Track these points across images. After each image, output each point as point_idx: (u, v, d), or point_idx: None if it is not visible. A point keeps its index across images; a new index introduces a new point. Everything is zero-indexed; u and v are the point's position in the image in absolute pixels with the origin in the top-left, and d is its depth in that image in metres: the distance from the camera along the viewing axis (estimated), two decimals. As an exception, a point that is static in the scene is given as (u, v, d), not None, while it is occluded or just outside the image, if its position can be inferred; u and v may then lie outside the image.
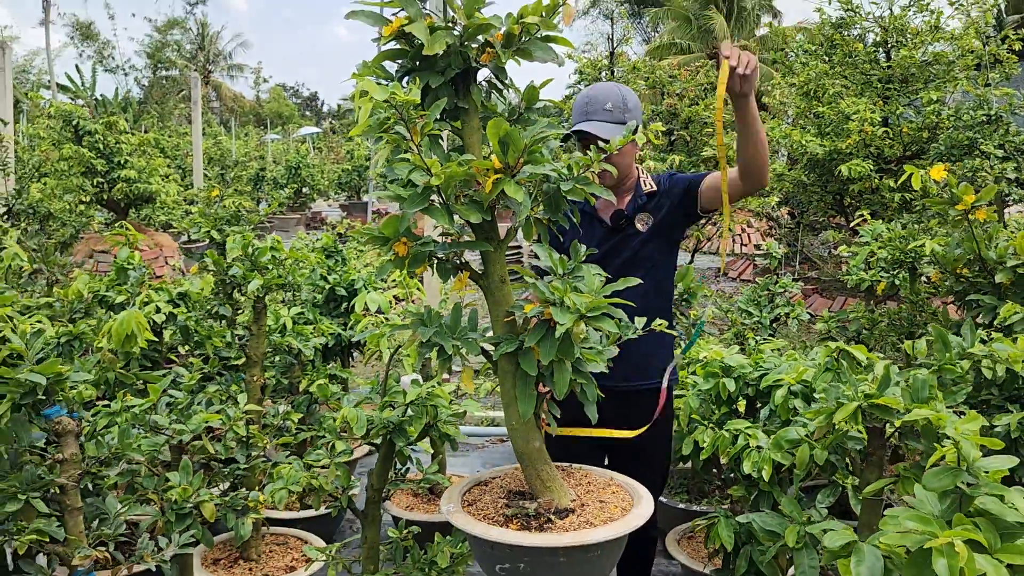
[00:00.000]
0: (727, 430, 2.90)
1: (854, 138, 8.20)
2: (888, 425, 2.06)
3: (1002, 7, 24.50)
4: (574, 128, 2.72)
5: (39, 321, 3.27)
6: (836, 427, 2.19)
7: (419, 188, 1.84)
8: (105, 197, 10.18)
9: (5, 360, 2.13)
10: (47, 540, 2.18)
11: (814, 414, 2.19)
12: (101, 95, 26.49)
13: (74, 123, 10.02)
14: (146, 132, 13.88)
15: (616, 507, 2.10)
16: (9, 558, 2.57)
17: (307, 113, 64.43)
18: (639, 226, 2.85)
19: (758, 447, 2.72)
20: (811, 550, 2.31)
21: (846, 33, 9.05)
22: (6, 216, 7.62)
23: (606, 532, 1.95)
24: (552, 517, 2.04)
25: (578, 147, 2.81)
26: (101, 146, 10.00)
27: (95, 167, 9.85)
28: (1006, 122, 6.90)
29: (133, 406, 2.50)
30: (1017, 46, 8.16)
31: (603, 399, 2.15)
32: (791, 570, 2.97)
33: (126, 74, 23.45)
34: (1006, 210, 7.81)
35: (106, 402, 2.57)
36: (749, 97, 2.44)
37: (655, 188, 2.89)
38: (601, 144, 2.01)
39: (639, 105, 2.84)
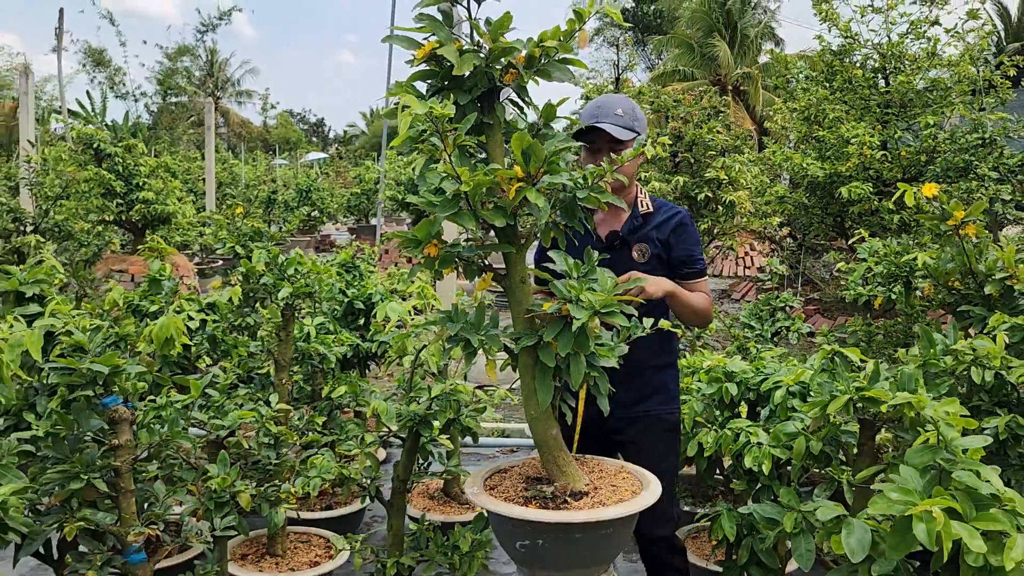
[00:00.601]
0: (729, 429, 3.07)
1: (854, 161, 8.40)
2: (877, 417, 2.24)
3: (1001, 35, 24.82)
4: (586, 126, 2.73)
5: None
6: (831, 420, 2.37)
7: (449, 195, 2.04)
8: (124, 218, 10.43)
9: (64, 352, 2.32)
10: (95, 527, 2.36)
11: (810, 407, 2.36)
12: (112, 120, 26.87)
13: (95, 146, 10.29)
14: (157, 156, 14.18)
15: (627, 490, 2.28)
16: (55, 548, 2.75)
17: (314, 139, 65.08)
18: (635, 255, 2.87)
19: (758, 443, 2.89)
20: (808, 535, 2.45)
21: (846, 60, 9.30)
22: (33, 234, 7.86)
23: (618, 510, 2.13)
24: (568, 499, 2.21)
25: (583, 152, 2.84)
26: (120, 168, 10.27)
27: (114, 189, 10.11)
28: (1000, 145, 7.10)
29: (177, 401, 2.69)
30: (1012, 71, 8.39)
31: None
32: (790, 563, 3.14)
33: (136, 100, 23.72)
34: (1002, 232, 8.00)
35: (151, 396, 2.76)
36: (669, 296, 2.75)
37: (651, 210, 2.90)
38: (614, 156, 2.21)
39: (644, 119, 2.93)
